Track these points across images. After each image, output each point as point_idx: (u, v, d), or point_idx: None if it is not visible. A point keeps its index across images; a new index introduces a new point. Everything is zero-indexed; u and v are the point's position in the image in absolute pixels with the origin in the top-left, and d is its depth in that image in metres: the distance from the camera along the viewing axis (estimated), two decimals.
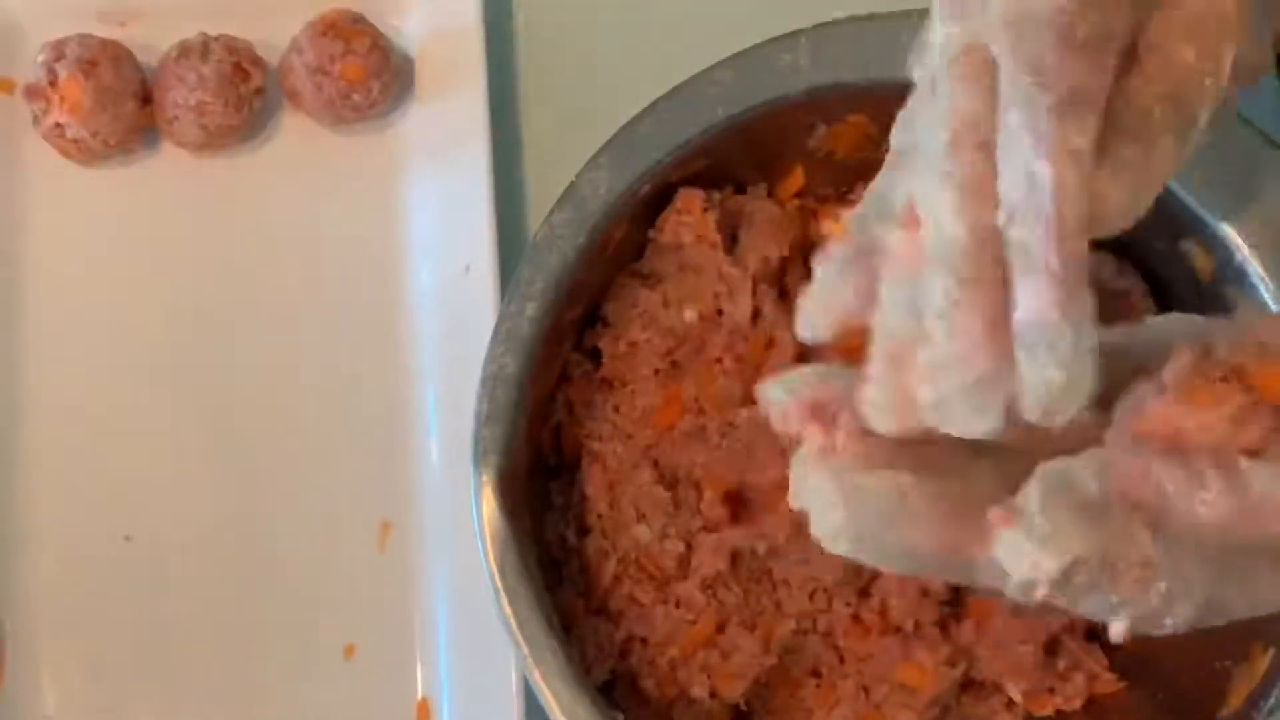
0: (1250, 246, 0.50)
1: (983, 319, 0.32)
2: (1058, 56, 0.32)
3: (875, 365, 0.34)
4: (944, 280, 0.32)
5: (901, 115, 0.37)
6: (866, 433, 0.35)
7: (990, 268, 0.32)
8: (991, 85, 0.33)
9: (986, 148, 0.33)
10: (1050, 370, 0.31)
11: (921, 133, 0.35)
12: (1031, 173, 0.32)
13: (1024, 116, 0.32)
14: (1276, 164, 0.50)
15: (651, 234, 0.56)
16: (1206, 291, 0.52)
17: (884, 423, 0.34)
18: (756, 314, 0.55)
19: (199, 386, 0.62)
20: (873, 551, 0.34)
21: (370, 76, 0.62)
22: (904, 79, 0.52)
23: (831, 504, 0.34)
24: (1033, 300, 0.32)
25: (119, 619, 0.60)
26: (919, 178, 0.34)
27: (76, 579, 0.60)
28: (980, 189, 0.32)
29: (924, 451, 0.35)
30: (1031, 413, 0.32)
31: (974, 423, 0.32)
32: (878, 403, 0.34)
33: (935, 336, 0.33)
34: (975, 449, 0.34)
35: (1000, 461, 0.35)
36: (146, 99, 0.63)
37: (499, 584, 0.49)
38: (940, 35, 0.35)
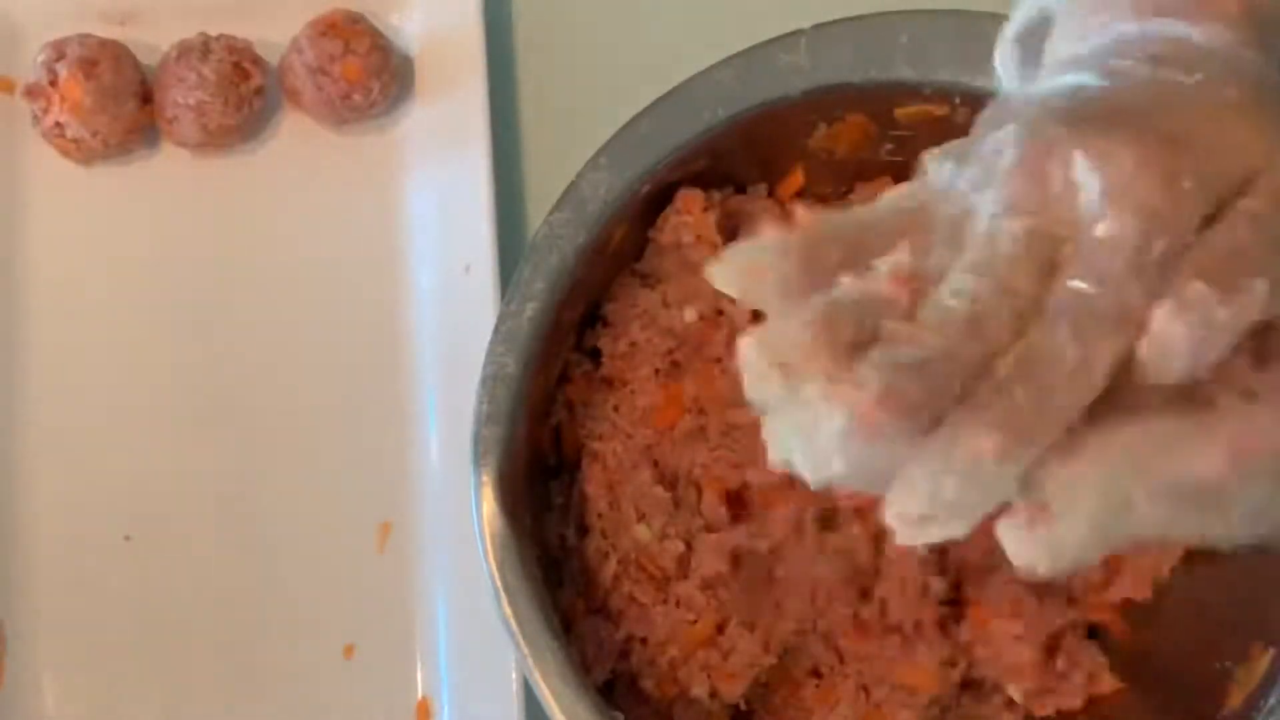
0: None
1: (926, 391, 0.30)
2: (1125, 273, 0.31)
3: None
4: (931, 336, 0.31)
5: (943, 161, 0.35)
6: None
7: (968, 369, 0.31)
8: (1047, 274, 0.32)
9: (1020, 317, 0.31)
10: (928, 491, 0.30)
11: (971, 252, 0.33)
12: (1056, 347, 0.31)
13: (1071, 330, 0.31)
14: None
15: (651, 234, 0.56)
16: None
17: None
18: (756, 314, 0.55)
19: (199, 386, 0.62)
20: (830, 475, 0.33)
21: (370, 76, 0.62)
22: (904, 79, 0.52)
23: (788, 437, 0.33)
24: (976, 436, 0.30)
25: (119, 619, 0.60)
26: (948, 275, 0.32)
27: (76, 579, 0.61)
28: (996, 334, 0.31)
29: None
30: (888, 513, 0.31)
31: (817, 465, 0.31)
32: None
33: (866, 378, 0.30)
34: None
35: None
36: (146, 99, 0.63)
37: (499, 584, 0.49)
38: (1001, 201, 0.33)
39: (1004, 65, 0.42)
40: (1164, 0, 0.34)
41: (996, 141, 0.33)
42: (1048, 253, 0.32)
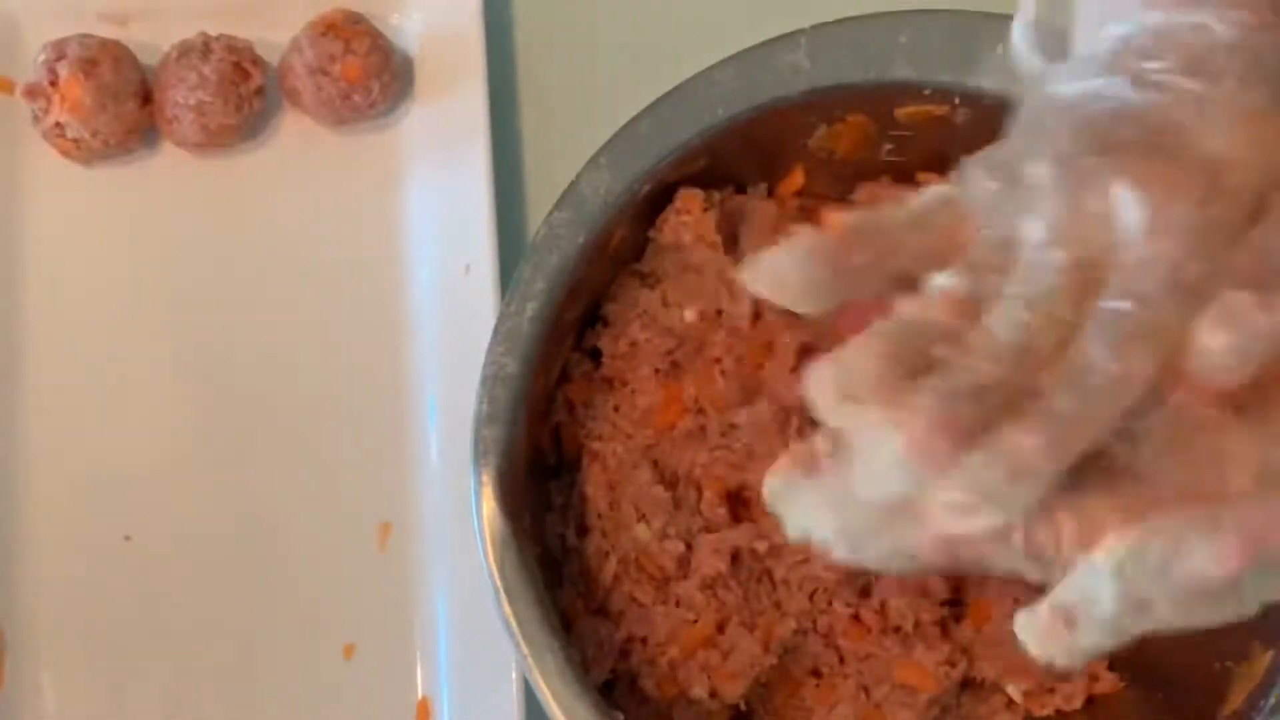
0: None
1: (969, 420, 0.31)
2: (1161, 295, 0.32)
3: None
4: (979, 360, 0.32)
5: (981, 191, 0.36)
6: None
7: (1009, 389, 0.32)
8: (1086, 294, 0.33)
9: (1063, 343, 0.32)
10: (974, 481, 0.31)
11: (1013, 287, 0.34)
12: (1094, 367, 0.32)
13: (1103, 348, 0.32)
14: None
15: (651, 234, 0.56)
16: None
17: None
18: (756, 314, 0.55)
19: (198, 386, 0.62)
20: (874, 560, 0.34)
21: (370, 76, 0.62)
22: (904, 79, 0.52)
23: (822, 516, 0.34)
24: (1019, 434, 0.31)
25: (119, 619, 0.60)
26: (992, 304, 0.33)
27: (76, 579, 0.61)
28: (1041, 357, 0.32)
29: None
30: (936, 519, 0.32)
31: (878, 483, 0.32)
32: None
33: (917, 400, 0.32)
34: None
35: None
36: (146, 99, 0.63)
37: (499, 584, 0.49)
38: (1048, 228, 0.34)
39: (1023, 45, 0.42)
40: None
41: (1037, 175, 0.34)
42: (1090, 279, 0.33)
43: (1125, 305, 0.32)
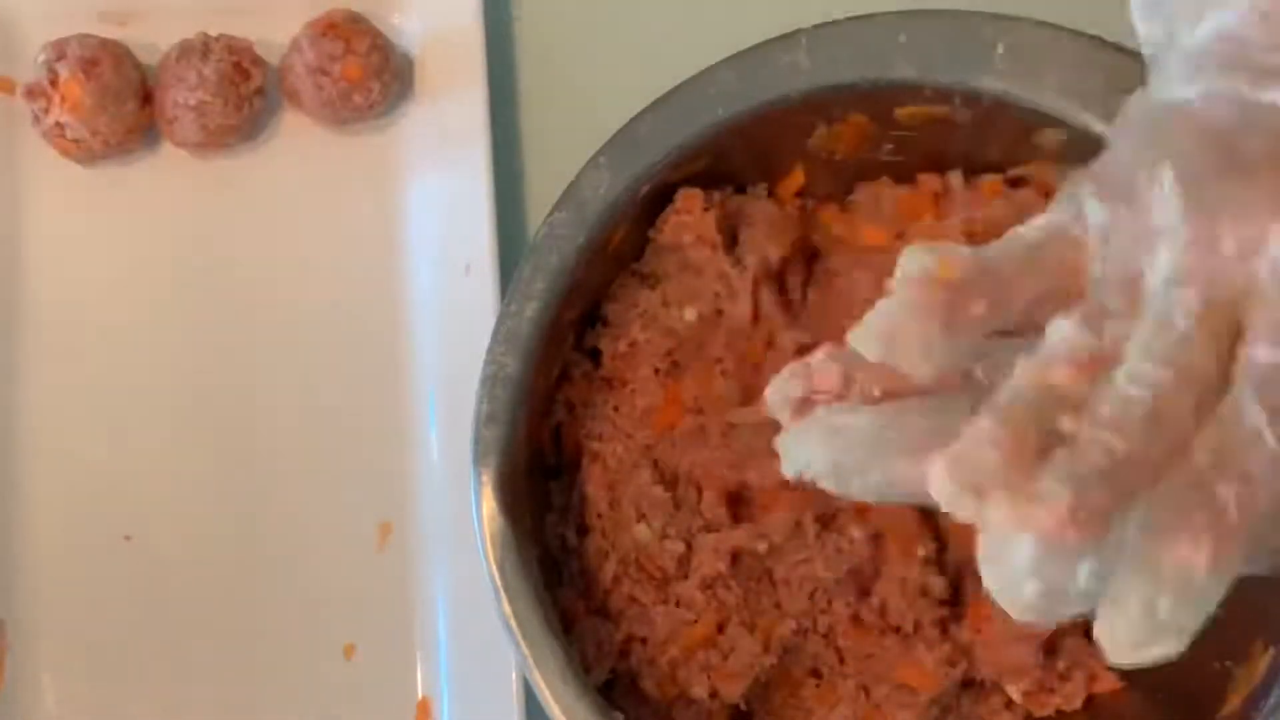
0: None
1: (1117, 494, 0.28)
2: None
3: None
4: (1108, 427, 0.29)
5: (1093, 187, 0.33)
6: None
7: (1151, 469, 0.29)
8: (1228, 343, 0.30)
9: (1202, 406, 0.29)
10: (1142, 615, 0.28)
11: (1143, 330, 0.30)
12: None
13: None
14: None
15: (651, 234, 0.56)
16: None
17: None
18: (756, 314, 0.55)
19: (198, 386, 0.62)
20: (858, 488, 0.33)
21: (370, 76, 0.62)
22: (904, 79, 0.52)
23: (812, 445, 0.33)
24: (1178, 535, 0.28)
25: (119, 619, 0.60)
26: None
27: (76, 579, 0.60)
28: (1182, 422, 0.29)
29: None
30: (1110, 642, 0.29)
31: (1010, 591, 0.29)
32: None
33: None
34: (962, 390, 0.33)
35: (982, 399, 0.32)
36: (146, 99, 0.63)
37: (499, 584, 0.49)
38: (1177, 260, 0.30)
39: (1140, 11, 0.37)
40: None
41: (1160, 198, 0.31)
42: (1227, 321, 0.30)
43: (1276, 356, 0.28)
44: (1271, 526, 0.29)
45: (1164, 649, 0.28)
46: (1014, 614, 0.30)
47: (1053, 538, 0.28)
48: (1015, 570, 0.29)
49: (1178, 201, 0.30)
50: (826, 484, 0.33)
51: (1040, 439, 0.29)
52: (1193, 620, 0.28)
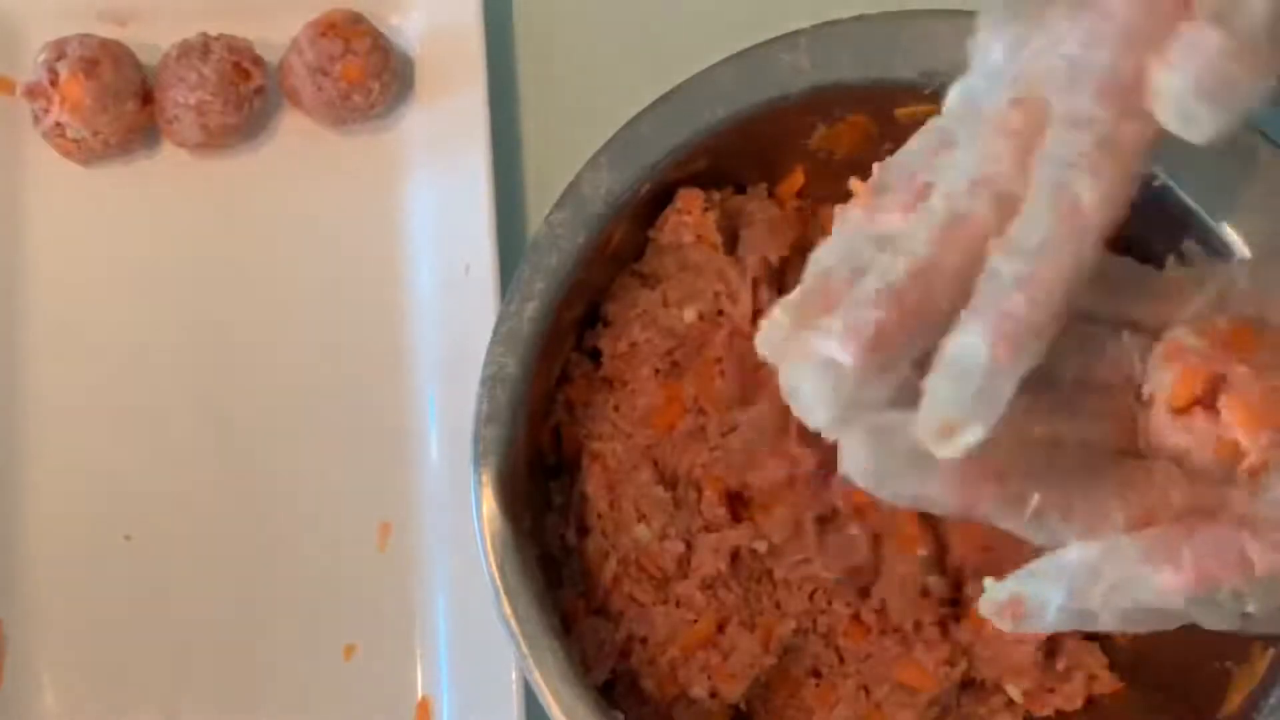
0: (1250, 246, 0.50)
1: (906, 310, 0.30)
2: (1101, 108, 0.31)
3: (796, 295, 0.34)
4: (907, 251, 0.31)
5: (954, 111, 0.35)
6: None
7: (952, 277, 0.31)
8: (1029, 143, 0.31)
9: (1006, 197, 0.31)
10: (950, 408, 0.30)
11: (956, 163, 0.33)
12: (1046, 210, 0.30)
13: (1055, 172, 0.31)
14: (1277, 164, 0.50)
15: (651, 234, 0.56)
16: None
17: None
18: (756, 314, 0.55)
19: (198, 386, 0.62)
20: (890, 495, 0.34)
21: (370, 76, 0.62)
22: (903, 79, 0.52)
23: (860, 447, 0.33)
24: (975, 332, 0.30)
25: (119, 619, 0.60)
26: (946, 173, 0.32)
27: (76, 579, 0.61)
28: (983, 224, 0.31)
29: None
30: (923, 432, 0.30)
31: (814, 407, 0.31)
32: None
33: (855, 296, 0.31)
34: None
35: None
36: (147, 99, 0.63)
37: (499, 584, 0.49)
38: (987, 69, 0.33)
39: None
40: None
41: (986, 23, 0.34)
42: (1034, 121, 0.31)
43: (1066, 131, 0.30)
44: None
45: (968, 436, 0.30)
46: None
47: (830, 364, 0.30)
48: (810, 399, 0.31)
49: (1000, 12, 0.33)
50: (864, 484, 0.34)
51: (852, 275, 0.32)
52: (993, 405, 0.30)
